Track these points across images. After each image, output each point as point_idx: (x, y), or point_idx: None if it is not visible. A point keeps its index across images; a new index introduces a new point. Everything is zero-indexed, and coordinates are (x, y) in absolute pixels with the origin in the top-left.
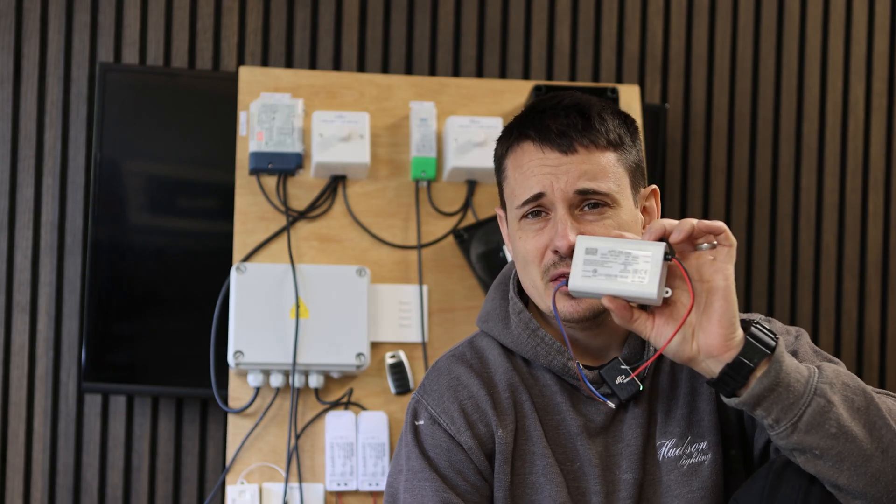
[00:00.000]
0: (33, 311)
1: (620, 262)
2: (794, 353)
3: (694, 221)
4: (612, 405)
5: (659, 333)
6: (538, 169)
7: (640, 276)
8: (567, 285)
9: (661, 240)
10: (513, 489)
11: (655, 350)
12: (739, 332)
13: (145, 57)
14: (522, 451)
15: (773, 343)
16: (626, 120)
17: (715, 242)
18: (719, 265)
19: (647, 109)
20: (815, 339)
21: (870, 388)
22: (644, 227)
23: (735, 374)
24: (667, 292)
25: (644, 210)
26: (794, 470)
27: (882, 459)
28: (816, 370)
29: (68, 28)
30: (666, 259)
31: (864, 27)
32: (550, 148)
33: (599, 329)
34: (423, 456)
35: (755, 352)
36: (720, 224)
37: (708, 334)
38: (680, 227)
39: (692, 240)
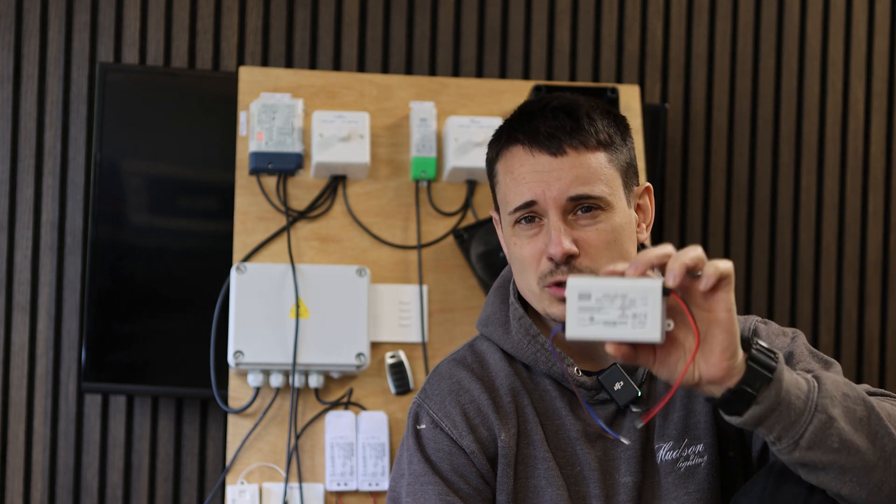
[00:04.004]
0: (33, 311)
1: (617, 307)
2: (790, 355)
3: (685, 259)
4: (626, 442)
5: (661, 364)
6: (529, 175)
7: (640, 320)
8: (563, 331)
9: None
10: (515, 493)
11: (664, 381)
12: (740, 357)
13: (145, 57)
14: (525, 454)
15: (773, 364)
16: (617, 119)
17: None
18: (721, 295)
19: (647, 109)
20: (815, 339)
21: (867, 394)
22: (639, 226)
23: (737, 399)
24: (669, 326)
25: (638, 208)
26: (794, 473)
27: (885, 469)
28: (816, 384)
29: (68, 28)
30: (665, 295)
31: (864, 27)
32: (540, 151)
33: None
34: (425, 460)
35: (756, 377)
36: (711, 268)
37: (710, 365)
38: (672, 271)
39: (687, 273)
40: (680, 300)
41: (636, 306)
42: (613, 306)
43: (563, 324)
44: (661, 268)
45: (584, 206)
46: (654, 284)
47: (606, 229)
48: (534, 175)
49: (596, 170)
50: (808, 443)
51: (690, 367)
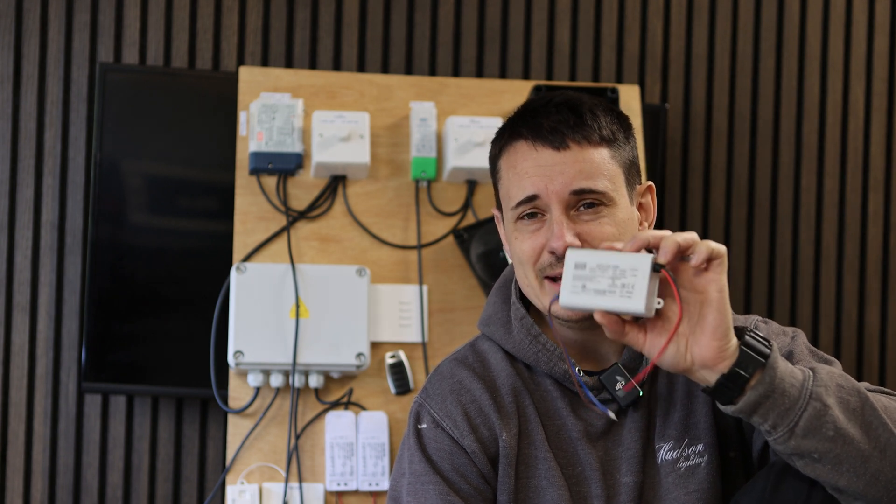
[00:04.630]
0: (33, 311)
1: (608, 277)
2: (790, 354)
3: (679, 238)
4: (613, 417)
5: (651, 345)
6: (532, 170)
7: (628, 290)
8: (558, 301)
9: (648, 250)
10: (517, 493)
11: (650, 360)
12: (733, 342)
13: (145, 57)
14: (526, 454)
15: (767, 351)
16: (619, 116)
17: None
18: (712, 276)
19: (647, 109)
20: (815, 339)
21: (864, 387)
22: (641, 225)
23: (730, 384)
24: (658, 303)
25: (640, 207)
26: (794, 471)
27: (880, 459)
28: (811, 373)
29: (68, 28)
30: (655, 270)
31: (864, 27)
32: (543, 145)
33: (597, 329)
34: (426, 459)
35: (749, 361)
36: (703, 245)
37: (701, 346)
38: (664, 248)
39: (679, 254)
40: (668, 275)
41: (625, 277)
42: (605, 276)
43: (558, 295)
44: (658, 248)
45: (586, 201)
46: (645, 258)
47: (609, 224)
48: (537, 169)
49: (599, 165)
50: (803, 430)
51: (682, 351)
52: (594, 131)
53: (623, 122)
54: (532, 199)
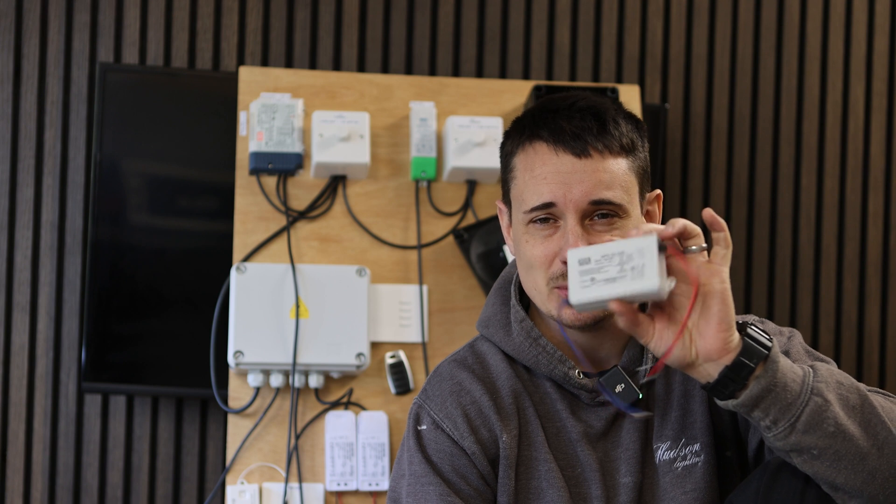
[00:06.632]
0: (33, 311)
1: (616, 264)
2: (787, 354)
3: (686, 221)
4: (650, 413)
5: (660, 337)
6: (551, 176)
7: (639, 271)
8: (569, 304)
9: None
10: (517, 494)
11: (655, 356)
12: (736, 334)
13: (145, 57)
14: (525, 456)
15: (768, 343)
16: (637, 124)
17: (705, 245)
18: (715, 268)
19: (647, 109)
20: (815, 339)
21: (862, 386)
22: None
23: (735, 376)
24: (671, 283)
25: (647, 214)
26: (789, 471)
27: (878, 457)
28: (811, 370)
29: (68, 28)
30: (661, 250)
31: (864, 27)
32: (564, 150)
33: (599, 332)
34: (426, 461)
35: (753, 353)
36: (723, 223)
37: (706, 338)
38: (672, 223)
39: (684, 239)
40: (675, 252)
41: (633, 260)
42: (612, 264)
43: (567, 299)
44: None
45: (602, 211)
46: (649, 237)
47: (620, 235)
48: (556, 176)
49: (618, 175)
50: (804, 426)
51: (687, 345)
52: (615, 140)
53: (640, 128)
54: (548, 205)
